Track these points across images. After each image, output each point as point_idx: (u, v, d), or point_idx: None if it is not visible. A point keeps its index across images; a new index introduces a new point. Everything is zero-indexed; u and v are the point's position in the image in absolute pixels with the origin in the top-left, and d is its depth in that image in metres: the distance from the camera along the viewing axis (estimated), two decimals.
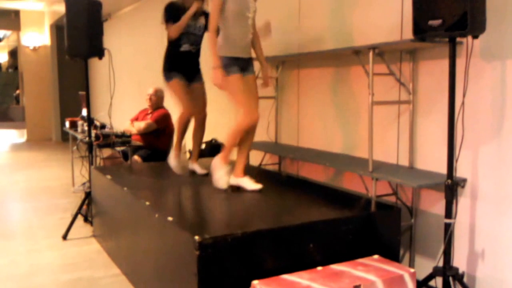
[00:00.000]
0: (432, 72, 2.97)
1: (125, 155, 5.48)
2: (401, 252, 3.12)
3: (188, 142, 5.83)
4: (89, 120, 4.65)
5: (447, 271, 2.57)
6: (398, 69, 3.18)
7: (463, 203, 2.78)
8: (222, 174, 3.33)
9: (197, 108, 3.89)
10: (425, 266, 3.02)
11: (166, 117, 5.43)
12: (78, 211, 4.37)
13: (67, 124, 6.31)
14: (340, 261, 2.58)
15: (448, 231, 2.55)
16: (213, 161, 3.36)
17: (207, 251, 2.30)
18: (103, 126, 5.28)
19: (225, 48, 3.22)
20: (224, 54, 3.21)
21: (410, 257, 3.13)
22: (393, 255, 2.84)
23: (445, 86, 2.79)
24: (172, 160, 3.93)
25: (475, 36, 2.44)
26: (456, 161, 2.69)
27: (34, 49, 11.75)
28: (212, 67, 3.20)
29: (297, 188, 3.52)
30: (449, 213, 2.55)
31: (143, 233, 3.04)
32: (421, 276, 2.78)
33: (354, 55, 3.16)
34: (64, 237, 4.21)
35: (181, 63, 3.81)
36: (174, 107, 4.05)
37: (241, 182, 3.35)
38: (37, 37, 11.74)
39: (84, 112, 5.92)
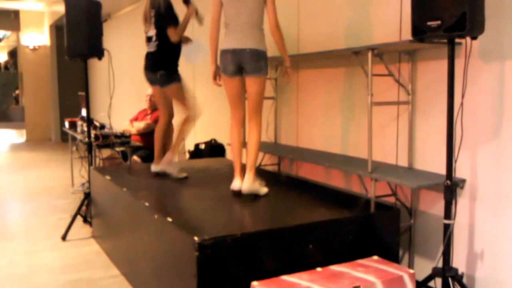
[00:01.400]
0: (431, 72, 2.97)
1: (125, 156, 5.48)
2: (401, 252, 3.12)
3: (187, 142, 5.83)
4: (89, 121, 4.65)
5: (447, 271, 2.57)
6: (397, 69, 3.18)
7: (462, 204, 2.78)
8: (259, 187, 3.25)
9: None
10: (424, 267, 3.02)
11: None
12: (77, 212, 4.37)
13: (67, 124, 6.31)
14: (340, 262, 2.58)
15: (447, 231, 2.55)
16: (249, 187, 3.18)
17: (206, 252, 2.30)
18: (102, 127, 5.28)
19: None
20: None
21: (410, 258, 3.13)
22: (392, 256, 2.84)
23: (444, 87, 2.79)
24: (159, 166, 3.86)
25: (474, 37, 2.44)
26: (455, 161, 2.69)
27: (34, 49, 11.75)
28: (288, 67, 3.25)
29: (296, 188, 3.52)
30: (448, 213, 2.55)
31: (143, 234, 3.04)
32: (421, 277, 2.78)
33: (353, 55, 3.16)
34: (63, 237, 4.21)
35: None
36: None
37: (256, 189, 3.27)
38: (36, 37, 11.74)
39: (84, 112, 5.91)
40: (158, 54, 3.74)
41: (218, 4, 3.22)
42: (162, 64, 3.74)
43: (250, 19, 3.16)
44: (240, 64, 3.18)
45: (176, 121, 3.97)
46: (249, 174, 3.17)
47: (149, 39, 3.78)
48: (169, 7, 3.68)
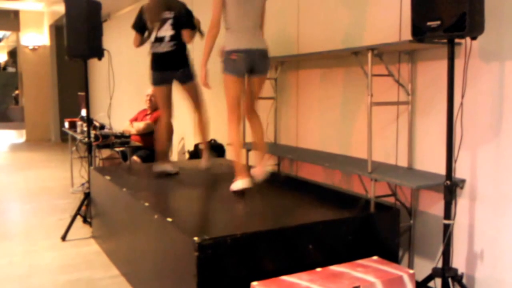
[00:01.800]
0: (431, 73, 2.97)
1: (124, 156, 5.48)
2: (400, 253, 3.12)
3: (186, 142, 5.83)
4: (89, 121, 4.65)
5: (446, 272, 2.57)
6: (397, 70, 3.18)
7: (462, 204, 2.78)
8: None
9: None
10: (424, 267, 3.02)
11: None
12: (77, 212, 4.36)
13: (66, 124, 6.31)
14: (339, 262, 2.58)
15: (447, 232, 2.55)
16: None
17: (206, 252, 2.30)
18: (102, 127, 5.28)
19: None
20: None
21: (409, 258, 3.13)
22: (392, 256, 2.84)
23: (443, 87, 2.79)
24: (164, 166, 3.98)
25: (474, 37, 2.45)
26: (455, 162, 2.70)
27: (34, 49, 11.74)
28: None
29: (296, 189, 3.52)
30: (448, 214, 2.56)
31: (142, 234, 3.04)
32: (420, 277, 2.78)
33: (353, 56, 3.16)
34: (63, 238, 4.21)
35: None
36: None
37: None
38: (36, 37, 11.73)
39: (84, 112, 5.92)
40: (177, 53, 3.85)
41: (220, 7, 3.21)
42: (184, 62, 3.89)
43: (255, 21, 3.24)
44: (251, 64, 3.20)
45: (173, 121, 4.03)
46: (265, 160, 3.42)
47: (160, 39, 3.81)
48: (190, 12, 3.89)
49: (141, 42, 3.98)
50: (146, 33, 3.91)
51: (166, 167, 3.95)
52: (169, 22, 3.78)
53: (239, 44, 3.18)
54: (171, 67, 3.84)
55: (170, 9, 3.80)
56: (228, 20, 3.23)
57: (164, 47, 3.81)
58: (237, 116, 3.31)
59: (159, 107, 4.06)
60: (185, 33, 3.80)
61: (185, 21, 3.83)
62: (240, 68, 3.19)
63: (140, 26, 3.90)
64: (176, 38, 3.80)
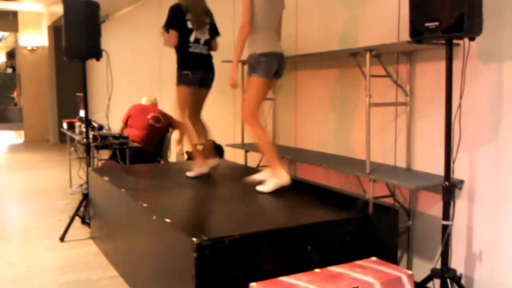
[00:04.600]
0: (429, 73, 2.97)
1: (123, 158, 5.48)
2: (399, 254, 3.12)
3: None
4: (87, 122, 4.64)
5: (445, 273, 2.57)
6: (395, 70, 3.18)
7: (460, 205, 2.78)
8: None
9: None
10: (423, 268, 3.02)
11: (128, 111, 5.74)
12: (76, 213, 4.36)
13: (65, 125, 6.30)
14: (338, 263, 2.58)
15: (446, 232, 2.55)
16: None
17: (205, 253, 2.30)
18: (100, 128, 5.27)
19: None
20: None
21: (408, 259, 3.13)
22: (390, 257, 2.85)
23: (442, 88, 2.80)
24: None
25: (472, 38, 2.45)
26: (453, 162, 2.70)
27: (32, 50, 11.73)
28: None
29: (294, 189, 3.52)
30: (446, 214, 2.56)
31: (141, 235, 3.04)
32: (419, 278, 2.78)
33: (352, 56, 3.16)
34: (62, 239, 4.20)
35: None
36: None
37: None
38: (35, 38, 11.73)
39: (82, 113, 5.91)
40: (211, 57, 3.93)
41: (251, 8, 3.22)
42: (213, 67, 3.95)
43: (277, 24, 3.31)
44: (277, 67, 3.26)
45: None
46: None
47: (197, 41, 3.82)
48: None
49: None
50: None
51: (194, 171, 3.97)
52: (207, 27, 3.87)
53: (272, 47, 3.22)
54: (206, 69, 3.87)
55: (207, 15, 3.90)
56: (256, 22, 3.23)
57: (201, 49, 3.85)
58: (258, 117, 3.35)
59: (180, 108, 3.89)
60: (216, 41, 3.95)
61: (216, 29, 3.96)
62: (271, 71, 3.24)
63: (178, 25, 3.76)
64: (209, 43, 3.88)
